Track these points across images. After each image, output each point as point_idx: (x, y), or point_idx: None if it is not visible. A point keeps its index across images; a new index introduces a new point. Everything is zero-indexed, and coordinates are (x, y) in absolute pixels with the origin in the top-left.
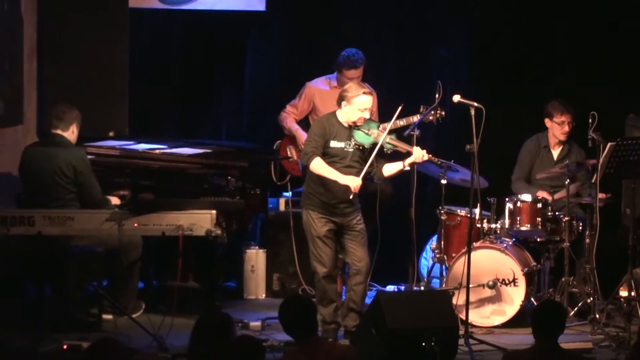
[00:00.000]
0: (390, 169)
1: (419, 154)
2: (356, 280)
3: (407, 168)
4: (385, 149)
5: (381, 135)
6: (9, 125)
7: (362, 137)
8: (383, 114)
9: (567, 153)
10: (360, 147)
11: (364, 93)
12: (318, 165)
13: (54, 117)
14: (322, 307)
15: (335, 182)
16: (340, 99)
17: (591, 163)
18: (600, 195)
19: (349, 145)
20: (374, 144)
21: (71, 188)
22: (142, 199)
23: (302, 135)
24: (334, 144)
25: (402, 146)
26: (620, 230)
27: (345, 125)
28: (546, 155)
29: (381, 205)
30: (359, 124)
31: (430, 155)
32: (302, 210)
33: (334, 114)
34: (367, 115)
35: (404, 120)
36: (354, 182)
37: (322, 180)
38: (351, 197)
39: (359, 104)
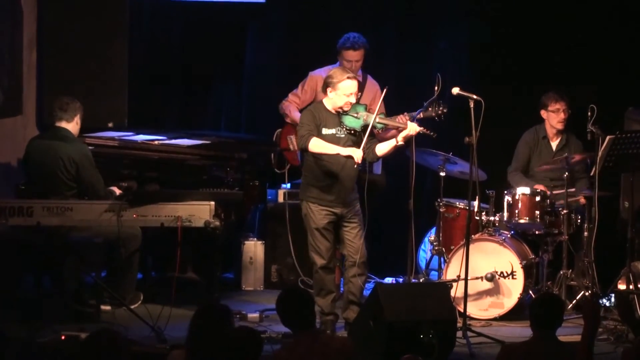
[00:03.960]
0: (383, 147)
1: (412, 127)
2: (353, 272)
3: (401, 143)
4: (376, 129)
5: (370, 116)
6: (8, 115)
7: (351, 121)
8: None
9: (565, 144)
10: (352, 132)
11: (348, 78)
12: (317, 144)
13: (58, 108)
14: (320, 298)
15: (335, 170)
16: (325, 85)
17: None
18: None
19: (340, 131)
20: (365, 126)
21: (72, 184)
22: (142, 189)
23: None
24: (325, 131)
25: (393, 124)
26: (619, 224)
27: (333, 111)
28: (545, 147)
29: (374, 196)
30: (345, 108)
31: (422, 128)
32: (300, 202)
33: (320, 102)
34: (353, 99)
35: (406, 115)
36: (356, 154)
37: (322, 169)
38: (355, 166)
39: (344, 89)
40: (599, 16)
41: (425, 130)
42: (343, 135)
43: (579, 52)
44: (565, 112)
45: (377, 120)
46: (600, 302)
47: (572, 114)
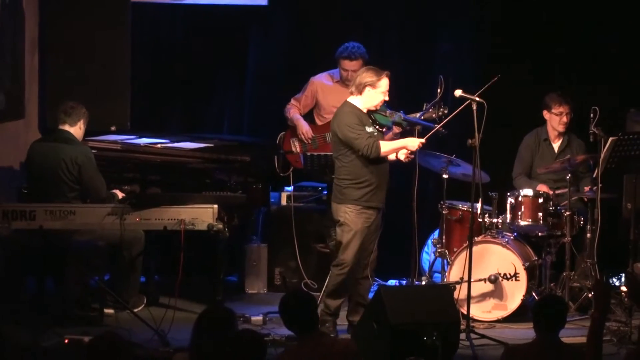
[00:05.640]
0: (386, 149)
1: (413, 142)
2: (365, 273)
3: (402, 159)
4: (402, 127)
5: (396, 114)
6: (10, 119)
7: (383, 119)
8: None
9: (567, 145)
10: (383, 129)
11: (385, 75)
12: (387, 146)
13: (62, 112)
14: (330, 299)
15: (378, 172)
16: (363, 85)
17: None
18: (586, 188)
19: (375, 129)
20: (393, 124)
21: (74, 186)
22: (144, 193)
23: (302, 126)
24: (367, 129)
25: (415, 123)
26: (621, 225)
27: (365, 111)
28: (547, 149)
29: None
30: (378, 107)
31: (423, 141)
32: (337, 205)
33: (350, 103)
34: (387, 97)
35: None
36: (416, 141)
37: (367, 172)
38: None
39: (383, 87)
40: (602, 17)
41: (430, 133)
42: (376, 133)
43: (581, 53)
44: (568, 116)
45: (402, 118)
46: (610, 281)
47: (574, 116)
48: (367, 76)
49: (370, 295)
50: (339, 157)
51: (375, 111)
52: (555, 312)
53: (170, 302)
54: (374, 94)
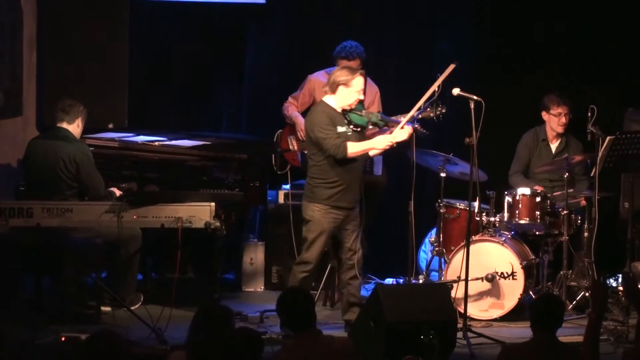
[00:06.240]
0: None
1: (382, 143)
2: (352, 274)
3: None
4: (378, 127)
5: (372, 114)
6: (8, 116)
7: (358, 119)
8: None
9: (565, 146)
10: (358, 129)
11: (359, 74)
12: (354, 147)
13: (60, 110)
14: None
15: (348, 172)
16: (336, 84)
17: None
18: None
19: (349, 129)
20: (369, 123)
21: (72, 184)
22: (142, 190)
23: (301, 123)
24: (339, 129)
25: (392, 123)
26: (619, 224)
27: (339, 110)
28: (544, 149)
29: (376, 197)
30: (353, 106)
31: (392, 141)
32: (306, 204)
33: (323, 102)
34: (362, 96)
35: (404, 115)
36: (393, 137)
37: (336, 172)
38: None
39: (357, 86)
40: (599, 16)
41: (416, 128)
42: (351, 133)
43: (579, 52)
44: (567, 117)
45: (380, 118)
46: (607, 282)
47: (573, 115)
48: (340, 75)
49: (363, 293)
50: (311, 157)
51: (351, 110)
52: (553, 311)
53: (167, 300)
54: (347, 93)
